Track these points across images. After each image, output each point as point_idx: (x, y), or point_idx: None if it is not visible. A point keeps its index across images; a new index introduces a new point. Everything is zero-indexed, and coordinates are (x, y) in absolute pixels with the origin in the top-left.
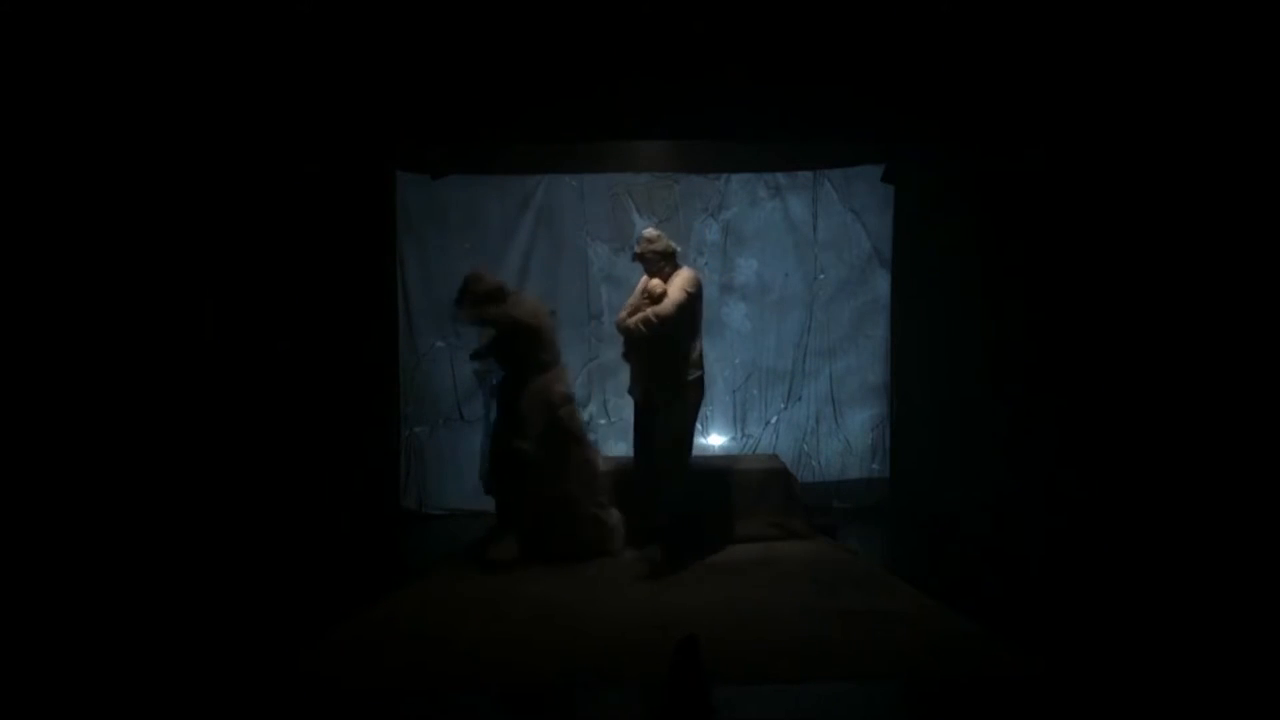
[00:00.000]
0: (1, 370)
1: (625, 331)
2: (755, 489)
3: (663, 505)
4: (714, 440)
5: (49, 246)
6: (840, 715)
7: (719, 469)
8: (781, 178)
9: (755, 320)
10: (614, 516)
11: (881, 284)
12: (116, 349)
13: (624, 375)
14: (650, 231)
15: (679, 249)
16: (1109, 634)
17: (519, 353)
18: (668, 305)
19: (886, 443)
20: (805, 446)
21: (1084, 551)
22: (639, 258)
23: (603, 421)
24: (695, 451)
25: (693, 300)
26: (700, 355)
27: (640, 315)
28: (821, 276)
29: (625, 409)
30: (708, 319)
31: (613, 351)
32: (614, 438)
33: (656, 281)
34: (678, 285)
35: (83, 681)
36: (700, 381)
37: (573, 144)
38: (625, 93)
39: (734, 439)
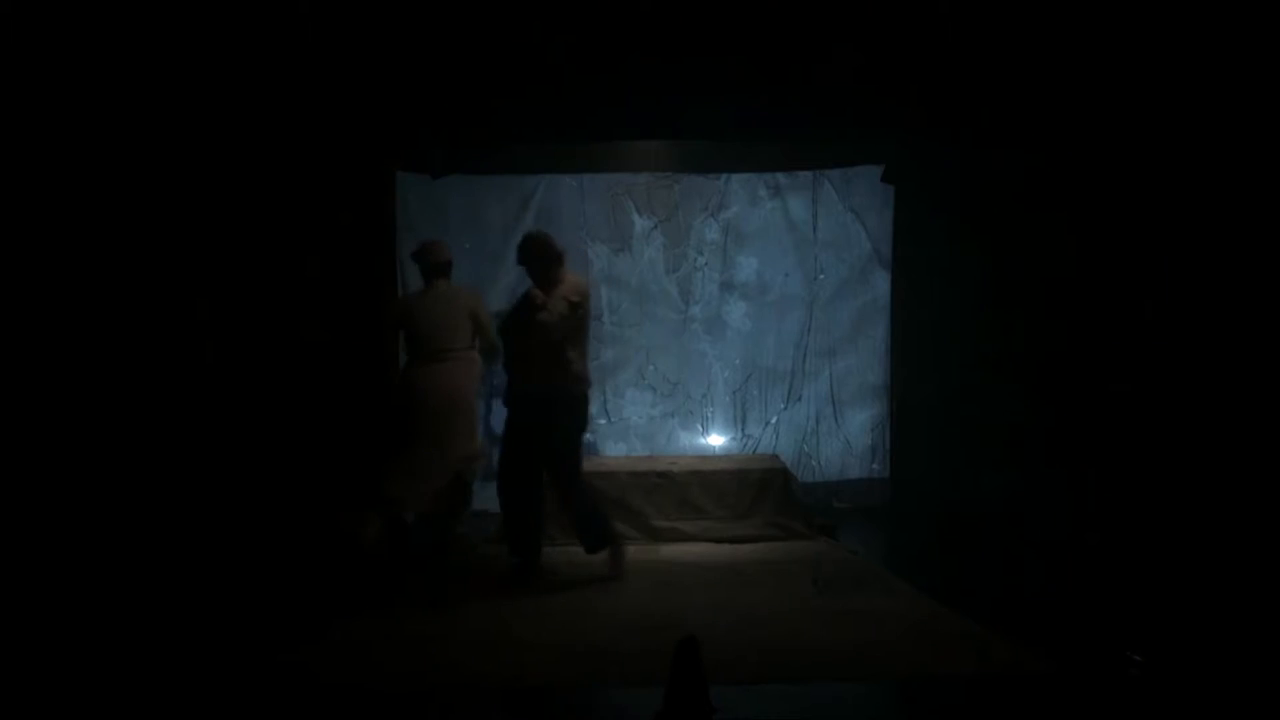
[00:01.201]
0: (2, 371)
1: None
2: (755, 489)
3: (583, 523)
4: (714, 440)
5: (51, 246)
6: (840, 715)
7: (719, 469)
8: (781, 177)
9: (755, 320)
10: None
11: (881, 284)
12: (117, 349)
13: (623, 375)
14: (527, 234)
15: (562, 251)
16: (1109, 633)
17: None
18: (542, 317)
19: (886, 443)
20: (805, 446)
21: (1084, 550)
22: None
23: (602, 421)
24: (696, 451)
25: (574, 309)
26: (585, 370)
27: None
28: (821, 276)
29: (626, 408)
30: (707, 318)
31: (613, 351)
32: (614, 438)
33: (536, 292)
34: (558, 296)
35: (79, 680)
36: (584, 398)
37: (573, 144)
38: (625, 93)
39: (734, 439)
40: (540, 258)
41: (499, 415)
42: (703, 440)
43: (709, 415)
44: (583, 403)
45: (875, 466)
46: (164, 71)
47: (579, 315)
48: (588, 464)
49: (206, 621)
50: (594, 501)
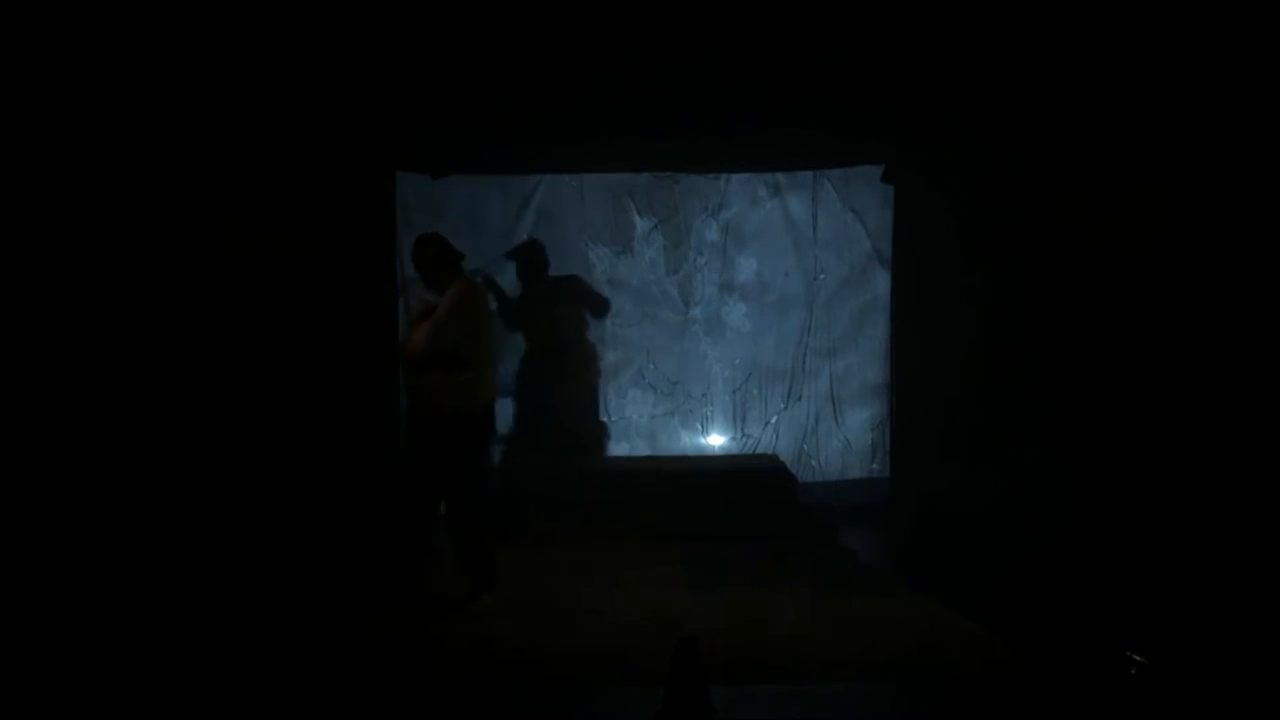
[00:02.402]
0: (2, 370)
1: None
2: (755, 489)
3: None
4: (714, 440)
5: (47, 245)
6: (840, 715)
7: (719, 469)
8: (781, 177)
9: (755, 320)
10: None
11: (881, 283)
12: (116, 350)
13: (625, 375)
14: (423, 237)
15: (461, 254)
16: (1109, 633)
17: None
18: (428, 331)
19: (886, 442)
20: (805, 446)
21: (1083, 550)
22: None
23: (603, 420)
24: (695, 451)
25: (462, 316)
26: (485, 383)
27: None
28: (821, 276)
29: (626, 408)
30: (708, 319)
31: (614, 353)
32: (616, 437)
33: (416, 302)
34: (444, 306)
35: (84, 680)
36: (487, 412)
37: (572, 144)
38: (624, 92)
39: (734, 439)
40: (425, 262)
41: (499, 414)
42: (703, 440)
43: (709, 415)
44: (464, 424)
45: (875, 466)
46: (164, 71)
47: (457, 325)
48: (593, 462)
49: (209, 621)
50: (481, 537)
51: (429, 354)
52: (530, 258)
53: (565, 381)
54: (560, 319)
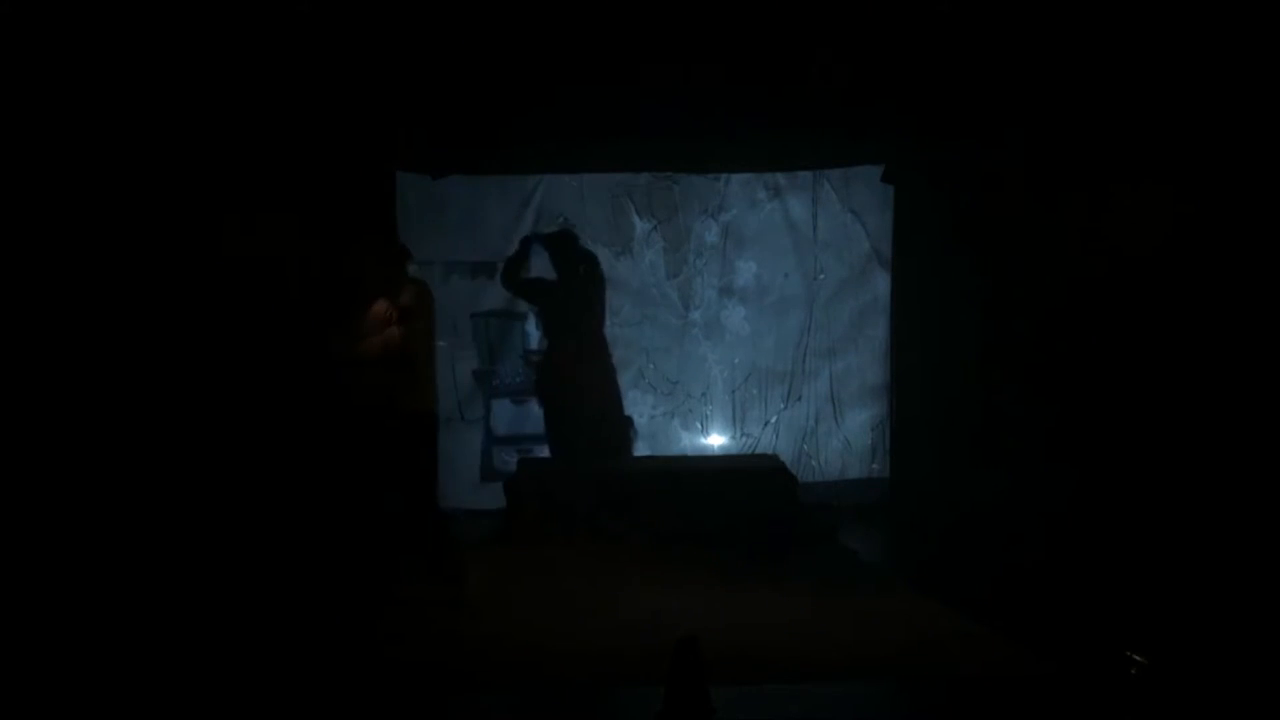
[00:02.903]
0: (2, 370)
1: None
2: (755, 489)
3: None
4: (714, 440)
5: (47, 245)
6: (840, 715)
7: (718, 469)
8: (781, 178)
9: (755, 321)
10: None
11: (881, 284)
12: (116, 350)
13: (625, 376)
14: (385, 235)
15: (412, 260)
16: (1109, 633)
17: None
18: (393, 332)
19: (886, 443)
20: (805, 446)
21: (1084, 550)
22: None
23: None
24: (696, 451)
25: (423, 317)
26: (432, 383)
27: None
28: (821, 276)
29: (628, 409)
30: (707, 321)
31: (615, 354)
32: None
33: (380, 305)
34: (408, 308)
35: (80, 679)
36: (433, 410)
37: (572, 144)
38: (624, 92)
39: (734, 439)
40: (384, 261)
41: (499, 415)
42: (703, 440)
43: (708, 415)
44: (419, 422)
45: (875, 466)
46: (165, 71)
47: (420, 327)
48: (592, 463)
49: (210, 621)
50: (444, 534)
51: (397, 355)
52: (563, 247)
53: (593, 373)
54: (589, 310)
